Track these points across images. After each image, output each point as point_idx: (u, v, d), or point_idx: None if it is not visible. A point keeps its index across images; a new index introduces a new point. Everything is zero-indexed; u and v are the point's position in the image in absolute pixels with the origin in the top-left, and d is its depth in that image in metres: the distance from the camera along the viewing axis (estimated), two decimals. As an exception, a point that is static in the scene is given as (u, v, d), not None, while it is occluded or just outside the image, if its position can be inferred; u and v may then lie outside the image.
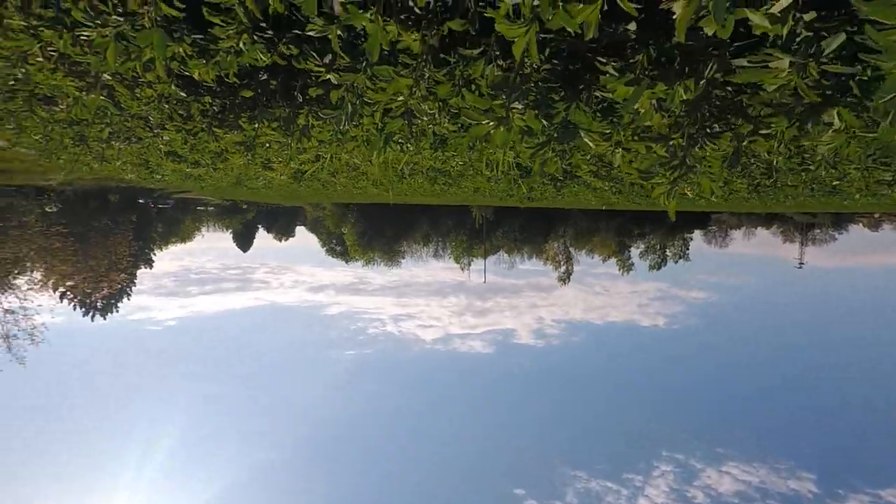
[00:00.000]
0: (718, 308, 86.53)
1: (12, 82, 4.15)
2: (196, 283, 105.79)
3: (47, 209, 36.27)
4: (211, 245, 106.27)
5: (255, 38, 2.60)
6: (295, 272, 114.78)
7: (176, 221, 63.30)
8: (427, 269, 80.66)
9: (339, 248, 75.93)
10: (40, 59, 3.27)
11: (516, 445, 61.46)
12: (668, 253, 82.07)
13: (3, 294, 31.88)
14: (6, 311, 30.89)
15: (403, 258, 72.23)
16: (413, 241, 73.59)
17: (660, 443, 55.22)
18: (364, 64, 2.60)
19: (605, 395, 69.62)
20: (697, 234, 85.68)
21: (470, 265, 77.66)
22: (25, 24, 2.77)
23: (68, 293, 43.75)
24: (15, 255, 34.33)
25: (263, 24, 2.60)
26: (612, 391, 69.71)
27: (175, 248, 74.36)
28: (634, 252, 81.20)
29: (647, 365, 73.96)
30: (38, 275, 38.94)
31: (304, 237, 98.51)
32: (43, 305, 34.56)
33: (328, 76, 2.76)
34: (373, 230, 69.93)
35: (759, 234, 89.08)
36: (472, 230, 73.71)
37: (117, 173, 13.29)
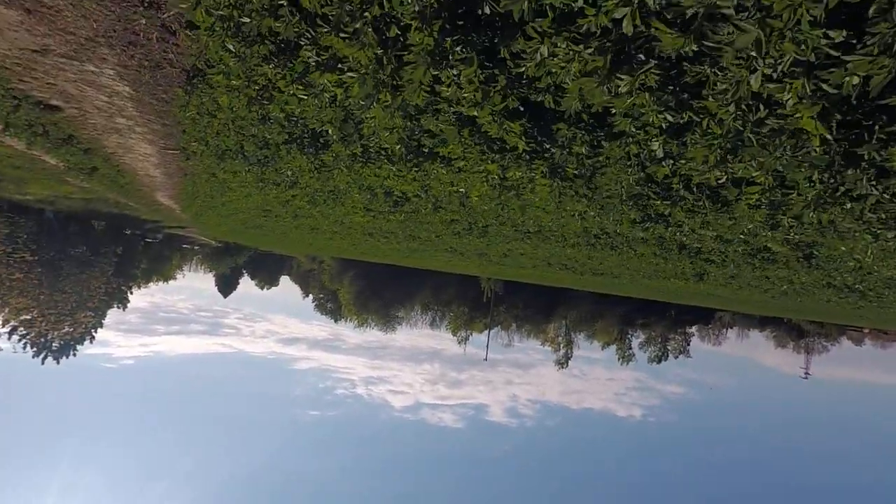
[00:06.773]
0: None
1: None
2: (163, 321, 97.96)
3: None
4: (187, 284, 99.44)
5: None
6: (269, 321, 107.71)
7: (162, 258, 57.04)
8: (408, 334, 76.86)
9: (330, 305, 70.42)
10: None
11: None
12: (668, 347, 79.02)
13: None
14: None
15: (400, 324, 67.00)
16: (411, 308, 68.70)
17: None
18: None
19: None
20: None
21: (468, 339, 72.53)
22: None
23: (20, 328, 37.21)
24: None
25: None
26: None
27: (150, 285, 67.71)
28: (635, 342, 78.13)
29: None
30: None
31: (287, 286, 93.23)
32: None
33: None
34: (370, 290, 64.99)
35: (751, 335, 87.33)
36: (475, 302, 69.22)
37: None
